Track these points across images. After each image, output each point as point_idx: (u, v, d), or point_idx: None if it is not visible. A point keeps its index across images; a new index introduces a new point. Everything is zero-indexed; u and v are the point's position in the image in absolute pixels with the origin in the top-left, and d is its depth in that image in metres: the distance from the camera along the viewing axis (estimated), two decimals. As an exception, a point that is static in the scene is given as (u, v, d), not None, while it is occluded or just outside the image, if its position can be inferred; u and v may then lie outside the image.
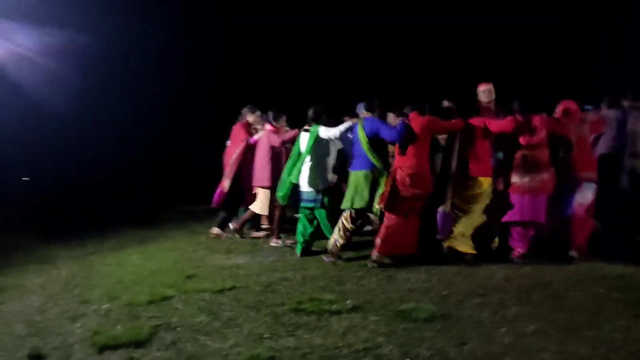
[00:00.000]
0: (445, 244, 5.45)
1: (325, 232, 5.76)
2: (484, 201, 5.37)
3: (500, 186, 5.45)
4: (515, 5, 12.21)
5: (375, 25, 13.30)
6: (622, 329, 3.51)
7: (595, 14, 11.56)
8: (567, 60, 11.66)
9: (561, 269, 4.92)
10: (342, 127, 5.68)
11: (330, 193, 5.83)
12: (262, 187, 6.60)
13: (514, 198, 5.32)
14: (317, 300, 4.21)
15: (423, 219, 5.40)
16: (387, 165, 5.65)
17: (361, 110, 5.86)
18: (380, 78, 11.54)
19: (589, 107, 6.09)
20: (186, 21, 13.80)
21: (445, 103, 5.72)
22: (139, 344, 3.47)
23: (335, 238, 5.53)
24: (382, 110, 6.03)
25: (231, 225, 7.04)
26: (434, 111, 5.43)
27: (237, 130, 6.96)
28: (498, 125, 5.30)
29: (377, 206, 5.39)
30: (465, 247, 5.36)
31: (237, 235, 6.87)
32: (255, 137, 6.75)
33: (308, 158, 5.80)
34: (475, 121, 5.36)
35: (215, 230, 6.91)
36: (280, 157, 6.60)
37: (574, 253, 5.26)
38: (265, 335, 3.56)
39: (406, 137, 5.18)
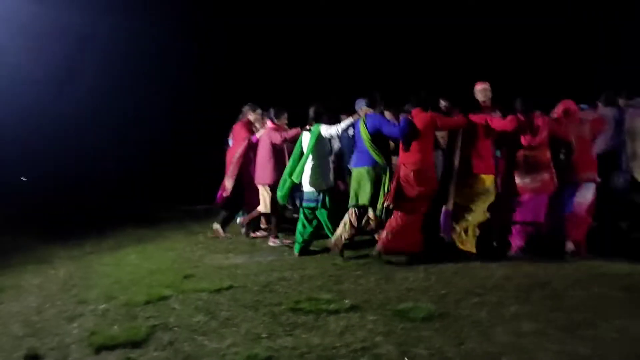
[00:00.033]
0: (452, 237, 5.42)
1: (327, 231, 5.75)
2: (487, 199, 5.36)
3: (500, 185, 5.44)
4: (515, 5, 12.21)
5: (375, 25, 13.29)
6: (621, 328, 3.49)
7: (595, 14, 11.56)
8: (567, 60, 11.66)
9: (560, 268, 4.91)
10: (343, 125, 5.61)
11: (331, 193, 5.82)
12: (264, 185, 6.57)
13: (515, 198, 5.30)
14: (315, 299, 4.21)
15: (426, 218, 5.38)
16: (389, 161, 5.61)
17: (360, 106, 5.82)
18: (378, 77, 11.52)
19: (584, 105, 6.08)
20: (186, 21, 13.77)
21: (442, 102, 5.70)
22: (136, 344, 3.47)
23: (341, 232, 5.51)
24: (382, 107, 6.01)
25: (238, 220, 7.03)
26: (435, 110, 5.45)
27: (238, 130, 6.90)
28: (500, 123, 5.30)
29: (379, 206, 5.37)
30: (467, 245, 5.35)
31: (243, 230, 6.88)
32: (257, 135, 6.73)
33: (310, 158, 5.76)
34: (477, 118, 5.35)
35: (216, 225, 6.88)
36: (282, 154, 6.50)
37: (570, 246, 5.23)
38: (263, 335, 3.55)
39: (409, 134, 5.17)
